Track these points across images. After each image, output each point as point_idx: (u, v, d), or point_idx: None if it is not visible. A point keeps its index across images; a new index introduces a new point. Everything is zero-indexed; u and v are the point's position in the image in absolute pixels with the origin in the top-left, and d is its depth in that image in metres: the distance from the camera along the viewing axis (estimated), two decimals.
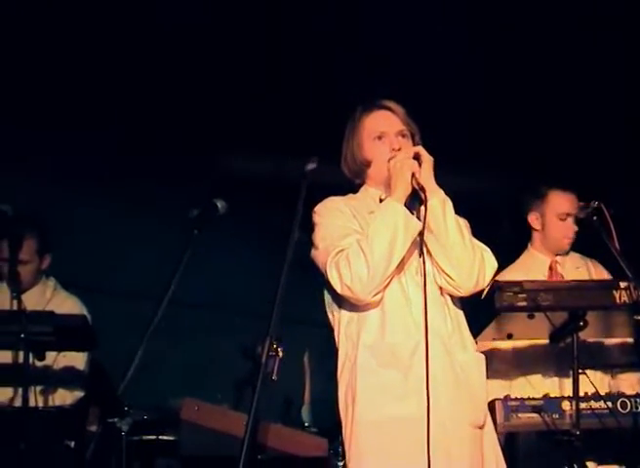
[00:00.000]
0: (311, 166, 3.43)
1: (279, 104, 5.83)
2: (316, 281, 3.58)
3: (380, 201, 3.51)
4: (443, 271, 3.46)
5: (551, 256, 4.75)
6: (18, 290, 4.83)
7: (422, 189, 3.41)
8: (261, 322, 3.34)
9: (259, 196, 5.92)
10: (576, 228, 4.68)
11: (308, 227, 3.57)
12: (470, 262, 3.46)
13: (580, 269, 4.72)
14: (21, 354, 4.34)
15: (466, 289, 3.50)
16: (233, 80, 5.82)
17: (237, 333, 4.96)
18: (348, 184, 3.75)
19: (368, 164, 3.61)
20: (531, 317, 4.02)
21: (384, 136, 3.59)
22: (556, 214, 4.69)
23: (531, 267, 4.72)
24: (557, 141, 5.98)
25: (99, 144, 5.87)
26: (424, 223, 3.40)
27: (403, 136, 3.59)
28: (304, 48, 5.77)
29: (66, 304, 4.86)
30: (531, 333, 4.29)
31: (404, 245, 3.39)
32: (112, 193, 5.92)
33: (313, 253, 3.54)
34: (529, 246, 4.82)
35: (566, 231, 4.70)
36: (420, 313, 3.37)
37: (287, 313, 3.33)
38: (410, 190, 3.43)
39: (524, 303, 3.96)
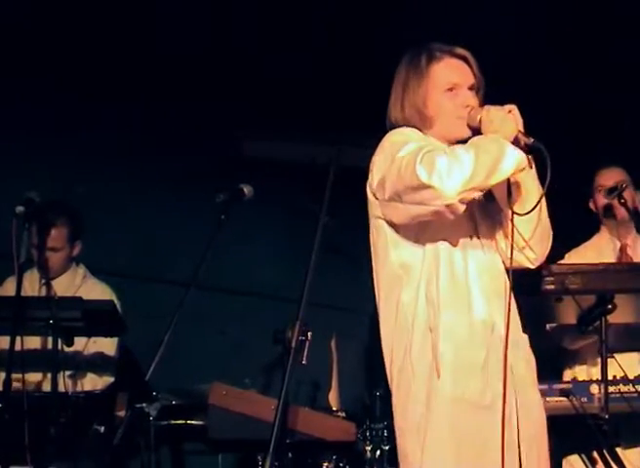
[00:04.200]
0: (340, 149, 3.42)
1: (307, 87, 5.81)
2: (345, 265, 3.57)
3: None
4: (527, 242, 3.27)
5: (622, 238, 4.74)
6: (47, 276, 4.87)
7: (530, 147, 3.11)
8: (290, 306, 3.35)
9: (286, 180, 5.92)
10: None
11: (336, 212, 3.55)
12: (549, 236, 3.33)
13: None
14: (50, 340, 4.38)
15: (539, 262, 3.36)
16: (262, 63, 5.80)
17: (265, 318, 4.96)
18: None
19: (432, 116, 3.26)
20: (559, 300, 4.01)
21: (456, 88, 3.25)
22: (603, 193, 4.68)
23: (603, 248, 4.72)
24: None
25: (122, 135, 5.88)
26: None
27: (476, 90, 3.28)
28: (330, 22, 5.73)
29: (96, 291, 4.89)
30: (559, 318, 4.28)
31: (508, 169, 3.06)
32: (138, 178, 5.93)
33: (383, 174, 3.16)
34: (601, 227, 4.81)
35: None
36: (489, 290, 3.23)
37: (314, 297, 3.34)
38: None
39: (552, 287, 3.95)
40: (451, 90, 3.26)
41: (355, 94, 5.50)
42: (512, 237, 3.23)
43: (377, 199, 3.23)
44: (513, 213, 3.21)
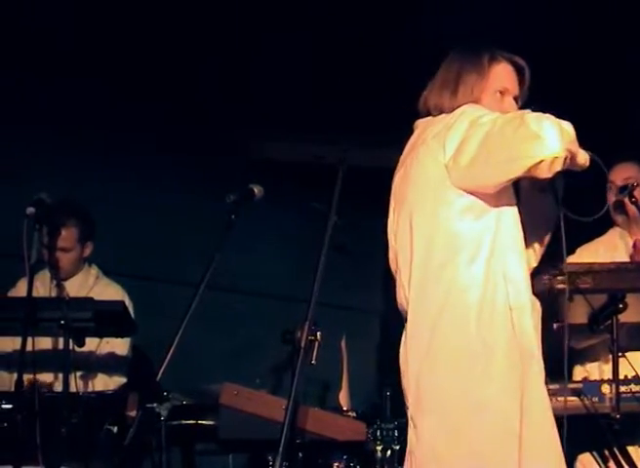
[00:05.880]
0: (348, 149, 3.42)
1: (317, 88, 5.82)
2: (354, 265, 3.57)
3: None
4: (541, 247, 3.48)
5: (634, 235, 4.73)
6: (58, 277, 4.88)
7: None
8: (300, 306, 3.35)
9: (294, 181, 5.92)
10: None
11: (344, 212, 3.55)
12: None
13: None
14: (62, 340, 4.39)
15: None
16: (268, 64, 5.81)
17: (275, 318, 4.95)
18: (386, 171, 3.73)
19: None
20: (570, 299, 4.00)
21: (506, 93, 3.40)
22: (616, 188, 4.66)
23: (615, 245, 4.71)
24: None
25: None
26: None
27: (518, 101, 3.42)
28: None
29: (108, 292, 4.90)
30: (569, 316, 4.27)
31: (584, 156, 3.20)
32: (147, 178, 5.94)
33: (462, 137, 3.19)
34: (613, 223, 4.80)
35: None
36: None
37: (324, 297, 3.34)
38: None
39: (563, 286, 3.94)
40: (501, 93, 3.38)
41: (362, 94, 5.51)
42: (564, 240, 3.30)
43: (451, 169, 3.22)
44: (567, 215, 3.27)
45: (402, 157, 3.48)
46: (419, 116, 3.54)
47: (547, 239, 3.49)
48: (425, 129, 3.41)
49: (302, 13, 5.68)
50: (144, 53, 5.79)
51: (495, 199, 3.25)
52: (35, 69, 5.67)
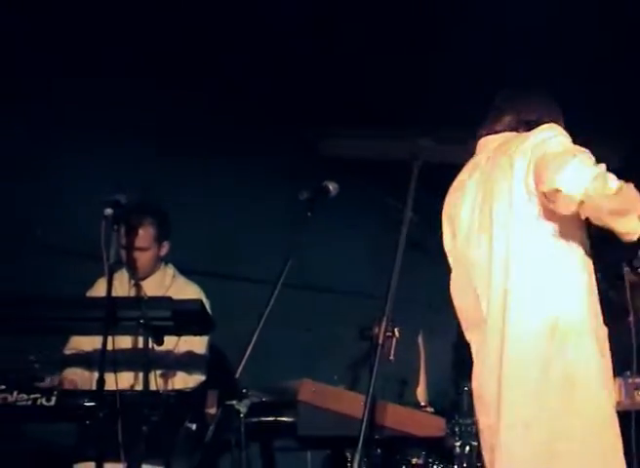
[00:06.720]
0: (423, 145, 3.41)
1: (387, 83, 5.81)
2: (430, 261, 3.57)
3: None
4: None
5: None
6: (136, 277, 4.94)
7: None
8: (377, 303, 3.35)
9: (367, 177, 5.92)
10: None
11: (417, 207, 3.55)
12: None
13: None
14: (141, 339, 4.44)
15: None
16: (342, 60, 5.81)
17: (351, 315, 4.96)
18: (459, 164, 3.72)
19: None
20: None
21: None
22: None
23: None
24: None
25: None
26: None
27: None
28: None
29: (186, 291, 4.93)
30: None
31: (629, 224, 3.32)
32: (220, 178, 5.98)
33: (556, 147, 3.43)
34: None
35: None
36: None
37: (400, 293, 3.34)
38: None
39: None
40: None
41: (432, 89, 5.48)
42: None
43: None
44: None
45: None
46: (492, 110, 3.61)
47: None
48: None
49: (377, 9, 5.69)
50: (210, 52, 5.83)
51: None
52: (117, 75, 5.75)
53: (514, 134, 3.60)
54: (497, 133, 3.66)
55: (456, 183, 3.69)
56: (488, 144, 3.66)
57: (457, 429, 4.55)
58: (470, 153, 3.75)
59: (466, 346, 3.51)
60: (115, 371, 4.20)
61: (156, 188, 5.62)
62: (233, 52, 5.84)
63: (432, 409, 4.61)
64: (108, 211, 4.26)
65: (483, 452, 3.46)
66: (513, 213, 3.43)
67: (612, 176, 3.28)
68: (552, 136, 3.44)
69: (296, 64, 5.86)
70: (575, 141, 3.48)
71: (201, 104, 5.89)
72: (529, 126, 3.59)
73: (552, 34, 5.55)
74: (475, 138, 3.72)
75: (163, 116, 5.86)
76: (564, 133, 3.50)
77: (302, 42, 5.78)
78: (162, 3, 5.67)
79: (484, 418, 3.45)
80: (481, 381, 3.46)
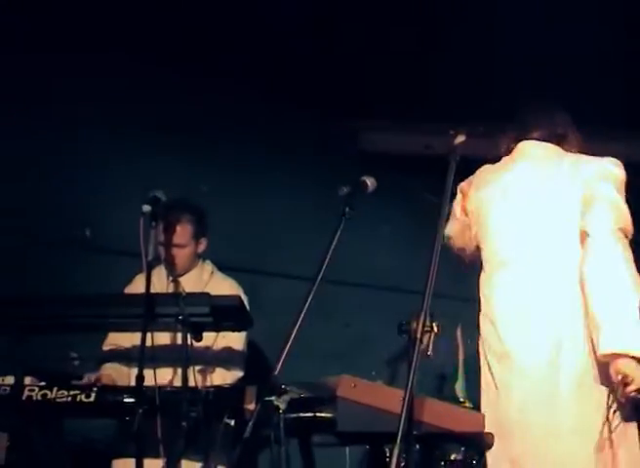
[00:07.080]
0: (460, 139, 3.39)
1: (425, 78, 5.79)
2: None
3: None
4: None
5: None
6: (174, 273, 4.95)
7: None
8: (414, 297, 3.34)
9: (404, 171, 5.91)
10: None
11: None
12: None
13: None
14: (180, 335, 4.45)
15: None
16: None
17: (389, 310, 4.94)
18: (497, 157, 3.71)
19: None
20: None
21: None
22: None
23: None
24: None
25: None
26: None
27: None
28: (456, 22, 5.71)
29: (224, 287, 4.94)
30: None
31: None
32: (258, 173, 5.99)
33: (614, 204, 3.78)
34: None
35: None
36: None
37: (438, 288, 3.32)
38: None
39: None
40: None
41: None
42: None
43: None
44: None
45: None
46: (528, 105, 3.66)
47: None
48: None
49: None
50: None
51: None
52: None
53: (561, 150, 3.93)
54: (536, 140, 3.90)
55: (489, 176, 3.75)
56: (529, 149, 3.91)
57: None
58: (500, 148, 3.95)
59: None
60: (154, 368, 4.22)
61: (200, 185, 5.64)
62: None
63: (471, 405, 4.58)
64: (147, 207, 4.28)
65: None
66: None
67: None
68: (611, 183, 3.80)
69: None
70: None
71: (243, 102, 5.89)
72: (559, 138, 3.94)
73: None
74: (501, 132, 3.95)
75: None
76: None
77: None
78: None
79: None
80: None
